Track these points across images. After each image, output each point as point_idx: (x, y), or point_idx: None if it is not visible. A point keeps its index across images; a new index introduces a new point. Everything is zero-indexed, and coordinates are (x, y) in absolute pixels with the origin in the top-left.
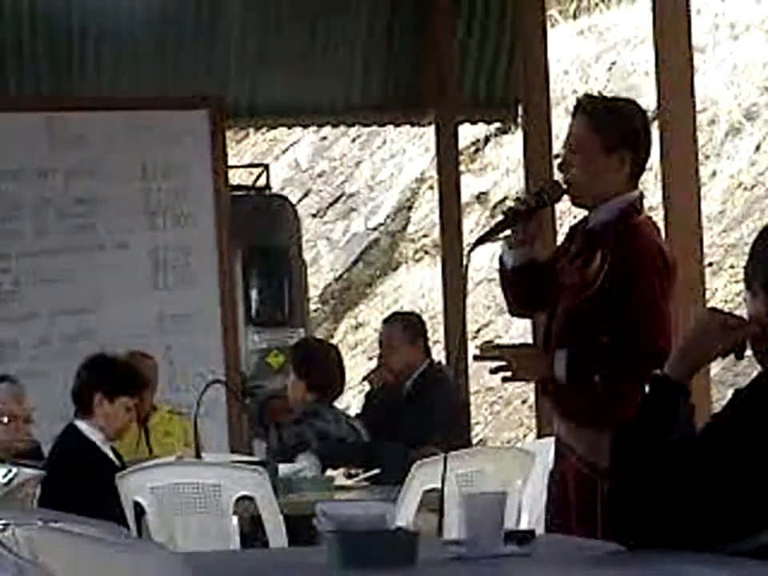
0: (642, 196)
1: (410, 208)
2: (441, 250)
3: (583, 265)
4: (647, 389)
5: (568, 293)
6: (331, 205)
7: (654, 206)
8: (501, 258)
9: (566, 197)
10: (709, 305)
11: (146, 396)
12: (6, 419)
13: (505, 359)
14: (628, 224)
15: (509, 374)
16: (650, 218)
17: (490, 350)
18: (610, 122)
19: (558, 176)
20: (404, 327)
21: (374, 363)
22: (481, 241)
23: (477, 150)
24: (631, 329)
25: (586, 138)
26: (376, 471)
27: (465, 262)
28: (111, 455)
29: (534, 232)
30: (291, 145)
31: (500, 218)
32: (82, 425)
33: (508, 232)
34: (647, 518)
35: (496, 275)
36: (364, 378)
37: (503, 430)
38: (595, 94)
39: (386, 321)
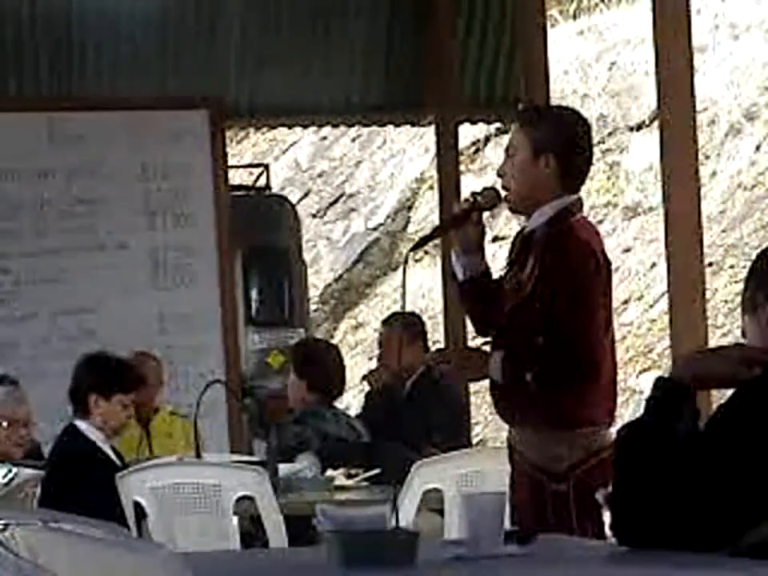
0: (578, 200)
1: (409, 208)
2: (441, 250)
3: (519, 270)
4: (649, 390)
5: (508, 299)
6: (331, 205)
7: (654, 206)
8: (453, 273)
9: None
10: (709, 305)
11: (146, 393)
12: (5, 423)
13: (449, 361)
14: (558, 227)
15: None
16: (586, 219)
17: (436, 354)
18: (538, 129)
19: (466, 191)
20: (404, 327)
21: (374, 363)
22: (416, 246)
23: (477, 150)
24: (560, 330)
25: (518, 144)
26: (376, 471)
27: (403, 267)
28: (111, 454)
29: (473, 239)
30: (291, 145)
31: (436, 225)
32: (81, 424)
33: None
34: (648, 517)
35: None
36: (363, 378)
37: (503, 429)
38: (537, 105)
39: (385, 321)
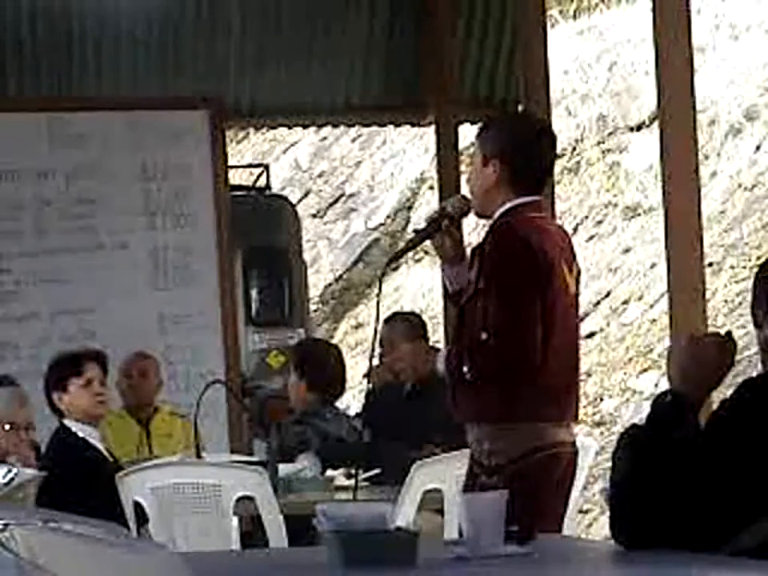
0: (533, 201)
1: (409, 208)
2: None
3: (470, 270)
4: (651, 402)
5: (462, 299)
6: (331, 205)
7: (654, 206)
8: (444, 285)
9: None
10: (709, 305)
11: (146, 393)
12: (7, 426)
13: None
14: (497, 227)
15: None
16: (545, 219)
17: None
18: (486, 137)
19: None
20: (405, 327)
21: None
22: (393, 260)
23: None
24: (495, 321)
25: (474, 153)
26: (376, 471)
27: (379, 283)
28: (102, 448)
29: (450, 249)
30: (291, 145)
31: (410, 238)
32: (69, 423)
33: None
34: (648, 518)
35: None
36: (365, 375)
37: None
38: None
39: (386, 320)
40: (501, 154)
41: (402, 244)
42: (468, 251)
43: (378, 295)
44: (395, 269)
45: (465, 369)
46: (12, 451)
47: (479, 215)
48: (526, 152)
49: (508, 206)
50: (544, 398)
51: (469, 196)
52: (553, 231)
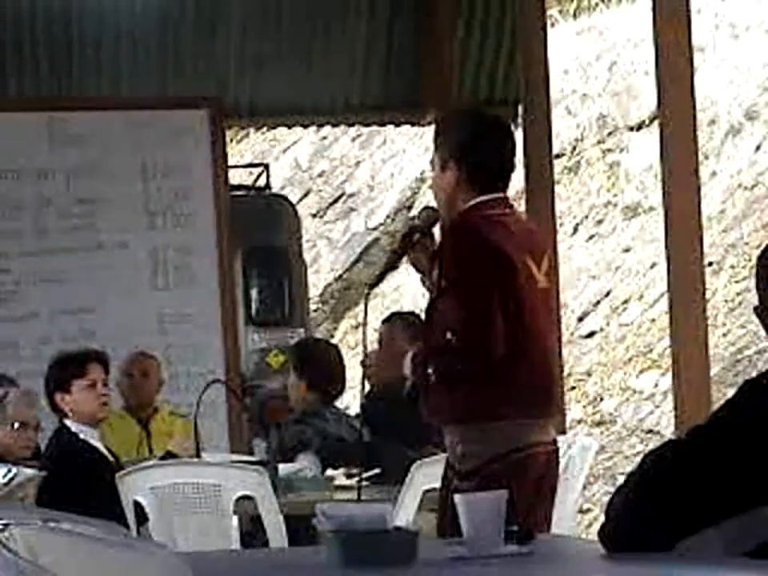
0: (494, 199)
1: (409, 208)
2: None
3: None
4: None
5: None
6: (331, 205)
7: (654, 206)
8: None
9: None
10: (709, 305)
11: (146, 393)
12: (16, 425)
13: (367, 362)
14: (453, 227)
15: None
16: (508, 215)
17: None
18: (440, 141)
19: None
20: (404, 327)
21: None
22: (374, 285)
23: None
24: (454, 320)
25: (433, 157)
26: (376, 471)
27: (365, 306)
28: (102, 448)
29: (424, 261)
30: (291, 145)
31: (387, 258)
32: (69, 423)
33: None
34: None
35: None
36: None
37: None
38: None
39: (385, 320)
40: (455, 156)
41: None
42: None
43: (364, 318)
44: (394, 269)
45: (429, 371)
46: (20, 450)
47: (446, 218)
48: (479, 149)
49: (468, 204)
50: (515, 398)
51: (435, 205)
52: (515, 227)
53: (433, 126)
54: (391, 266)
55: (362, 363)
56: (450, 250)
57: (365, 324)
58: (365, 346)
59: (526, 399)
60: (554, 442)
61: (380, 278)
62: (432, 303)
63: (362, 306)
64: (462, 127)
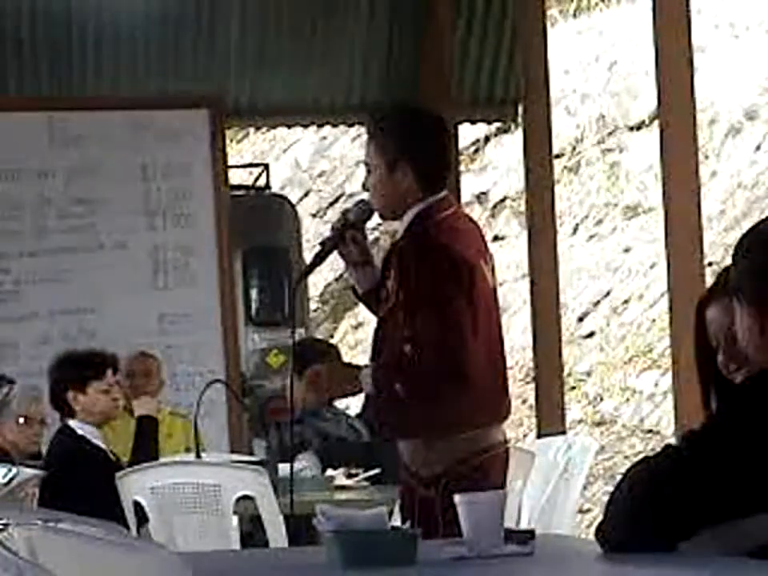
0: (443, 199)
1: None
2: None
3: (386, 280)
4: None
5: (380, 308)
6: (331, 205)
7: (654, 206)
8: (353, 289)
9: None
10: None
11: (142, 390)
12: (21, 420)
13: (322, 379)
14: (414, 232)
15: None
16: (456, 215)
17: (311, 372)
18: (386, 140)
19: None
20: None
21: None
22: (305, 274)
23: (477, 150)
24: (423, 337)
25: (372, 159)
26: (376, 471)
27: (292, 292)
28: (103, 447)
29: (356, 255)
30: (291, 145)
31: (318, 250)
32: (73, 423)
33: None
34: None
35: None
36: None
37: None
38: (384, 113)
39: None
40: (408, 155)
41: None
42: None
43: (291, 317)
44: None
45: (397, 386)
46: (26, 446)
47: (386, 219)
48: (430, 148)
49: (420, 207)
50: (475, 404)
51: (369, 200)
52: (467, 229)
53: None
54: (321, 257)
55: None
56: (415, 262)
57: (293, 315)
58: (293, 323)
59: (485, 403)
60: (507, 441)
61: (308, 270)
62: (387, 313)
63: (362, 307)
64: (411, 126)
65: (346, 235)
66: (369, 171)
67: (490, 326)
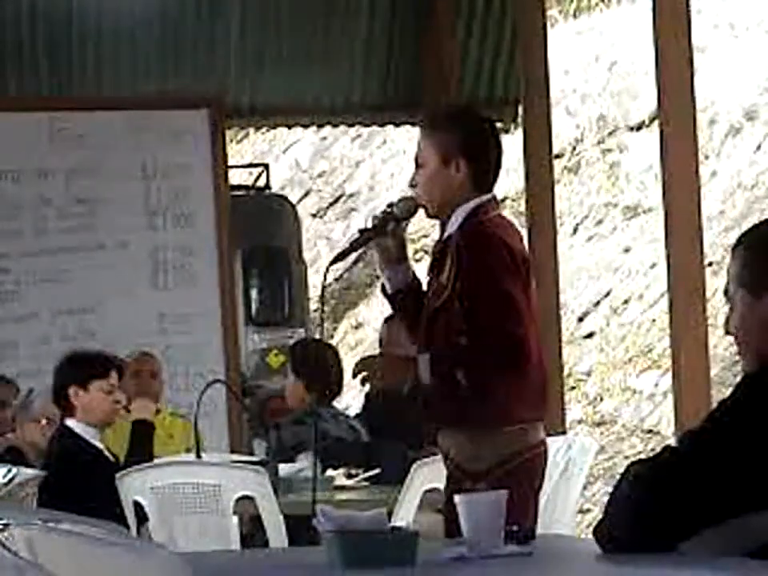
0: (492, 199)
1: None
2: None
3: (438, 274)
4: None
5: (428, 304)
6: (331, 205)
7: (654, 206)
8: (382, 287)
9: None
10: (709, 305)
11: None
12: (44, 421)
13: (369, 368)
14: (471, 226)
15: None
16: (503, 216)
17: (359, 364)
18: (443, 134)
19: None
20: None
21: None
22: (336, 260)
23: None
24: (487, 321)
25: (425, 152)
26: (376, 471)
27: (322, 280)
28: (105, 452)
29: (392, 251)
30: (291, 145)
31: (355, 238)
32: (72, 423)
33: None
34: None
35: None
36: (363, 379)
37: None
38: (439, 110)
39: (386, 320)
40: (465, 152)
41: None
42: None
43: (321, 294)
44: (417, 260)
45: (458, 374)
46: (44, 446)
47: (433, 216)
48: (487, 148)
49: (472, 204)
50: (529, 398)
51: (414, 196)
52: (515, 229)
53: (423, 115)
54: (357, 245)
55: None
56: (475, 254)
57: (322, 308)
58: (322, 310)
59: (534, 401)
60: (545, 442)
61: (341, 256)
62: (442, 305)
63: (362, 307)
64: (471, 125)
65: (387, 227)
66: (418, 167)
67: (537, 324)
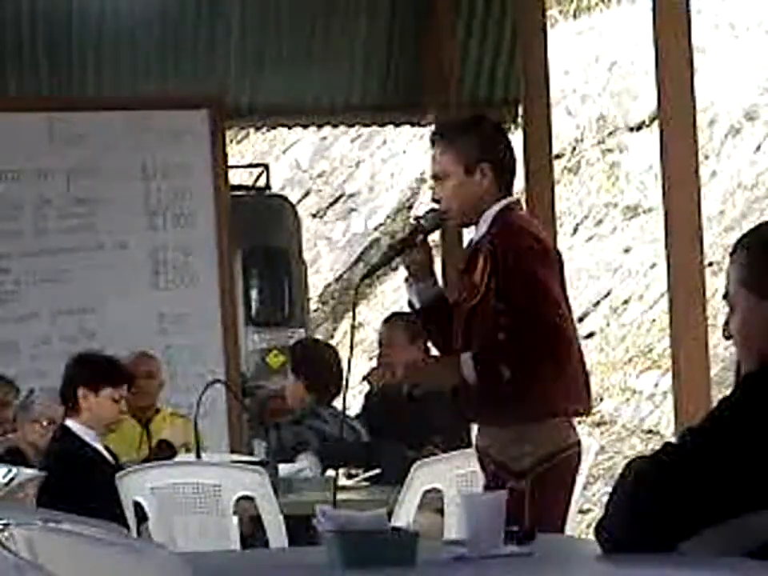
0: (516, 200)
1: (409, 208)
2: (441, 251)
3: (471, 275)
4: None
5: (462, 305)
6: (331, 205)
7: (654, 206)
8: (409, 302)
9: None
10: (709, 305)
11: (145, 394)
12: (45, 422)
13: (412, 371)
14: (501, 225)
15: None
16: (529, 215)
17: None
18: (461, 143)
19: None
20: (404, 327)
21: (374, 363)
22: (366, 276)
23: None
24: (527, 312)
25: (445, 165)
26: (376, 471)
27: (353, 301)
28: (104, 452)
29: (421, 263)
30: (291, 145)
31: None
32: (73, 424)
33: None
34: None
35: None
36: (364, 378)
37: None
38: (449, 120)
39: (386, 320)
40: (488, 156)
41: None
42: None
43: (353, 316)
44: (386, 266)
45: (502, 368)
46: (44, 447)
47: (461, 226)
48: (506, 149)
49: (499, 206)
50: (572, 390)
51: (442, 207)
52: (541, 228)
53: (432, 127)
54: (386, 263)
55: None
56: (511, 250)
57: (353, 326)
58: (351, 346)
59: (577, 393)
60: (580, 442)
61: (373, 271)
62: (479, 303)
63: (361, 307)
64: (489, 131)
65: (417, 240)
66: (438, 179)
67: (572, 316)
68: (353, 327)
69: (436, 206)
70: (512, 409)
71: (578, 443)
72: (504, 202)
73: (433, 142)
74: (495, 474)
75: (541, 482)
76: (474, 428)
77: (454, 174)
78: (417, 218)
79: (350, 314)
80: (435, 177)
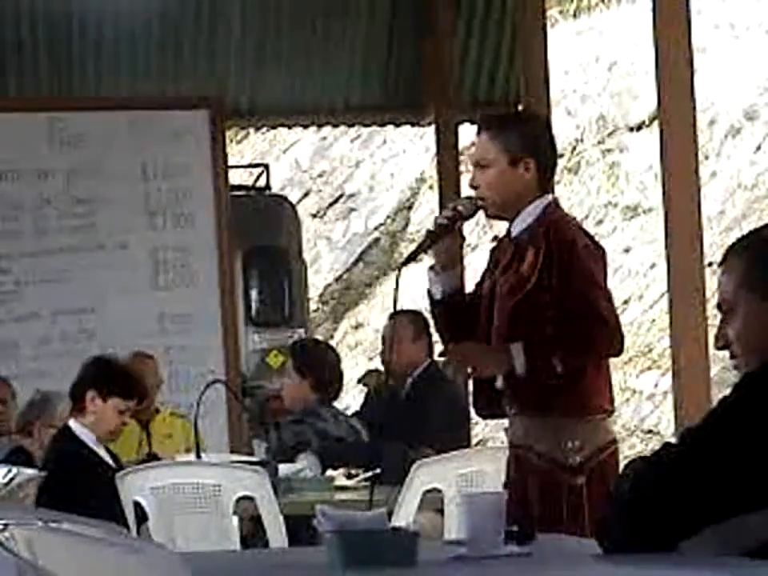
0: (555, 199)
1: (409, 208)
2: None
3: (516, 268)
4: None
5: (504, 299)
6: (331, 205)
7: (654, 206)
8: (429, 292)
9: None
10: (709, 305)
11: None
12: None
13: (468, 357)
14: (551, 221)
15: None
16: (570, 214)
17: (453, 350)
18: (509, 134)
19: (467, 192)
20: (409, 323)
21: (373, 363)
22: (407, 261)
23: None
24: (579, 304)
25: (491, 153)
26: (376, 471)
27: (395, 284)
28: (105, 455)
29: (454, 250)
30: (291, 145)
31: (423, 237)
32: (75, 426)
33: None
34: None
35: None
36: (359, 381)
37: (503, 429)
38: (496, 113)
39: (391, 316)
40: (534, 152)
41: (402, 244)
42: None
43: (394, 304)
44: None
45: (554, 360)
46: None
47: (495, 217)
48: (553, 149)
49: (541, 204)
50: (607, 391)
51: (481, 195)
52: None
53: (432, 127)
54: (427, 247)
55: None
56: (564, 246)
57: (395, 304)
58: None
59: (609, 394)
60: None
61: (413, 256)
62: (524, 298)
63: (361, 307)
64: (534, 125)
65: (456, 226)
66: (480, 167)
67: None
68: (394, 307)
69: (472, 192)
70: (560, 402)
71: (615, 440)
72: (549, 197)
73: (479, 130)
74: (542, 470)
75: (594, 478)
76: (506, 422)
77: (497, 163)
78: (453, 206)
79: (350, 313)
80: (477, 164)
